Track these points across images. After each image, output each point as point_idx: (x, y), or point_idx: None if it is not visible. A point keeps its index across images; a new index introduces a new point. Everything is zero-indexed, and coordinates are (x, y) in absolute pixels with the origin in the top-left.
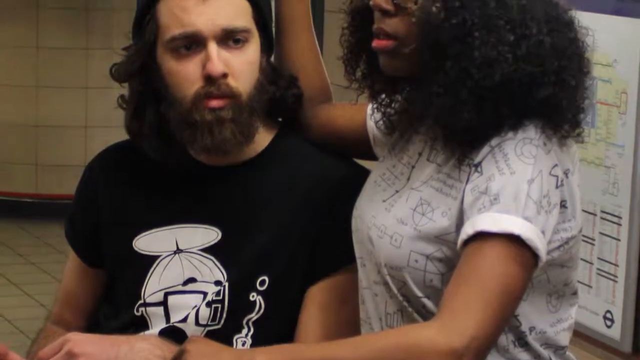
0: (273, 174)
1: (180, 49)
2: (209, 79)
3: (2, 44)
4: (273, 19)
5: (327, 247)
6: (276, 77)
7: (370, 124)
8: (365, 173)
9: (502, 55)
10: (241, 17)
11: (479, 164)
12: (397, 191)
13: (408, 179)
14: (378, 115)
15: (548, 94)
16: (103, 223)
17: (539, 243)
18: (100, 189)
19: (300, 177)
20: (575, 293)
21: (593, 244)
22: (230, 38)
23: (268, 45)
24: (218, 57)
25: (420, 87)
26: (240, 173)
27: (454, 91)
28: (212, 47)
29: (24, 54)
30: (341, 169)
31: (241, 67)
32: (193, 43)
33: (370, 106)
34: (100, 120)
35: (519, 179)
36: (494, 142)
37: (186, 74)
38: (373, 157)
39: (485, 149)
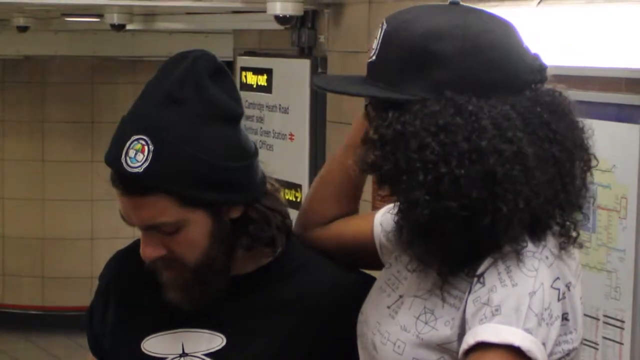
0: (279, 284)
1: None
2: None
3: (8, 157)
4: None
5: (334, 356)
6: (246, 226)
7: (377, 232)
8: (372, 281)
9: (421, 197)
10: (164, 214)
11: (482, 275)
12: (400, 296)
13: (412, 284)
14: (386, 225)
15: (487, 222)
16: (114, 320)
17: (539, 354)
18: (115, 289)
19: (307, 287)
20: None
21: (597, 349)
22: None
23: (230, 201)
24: (148, 243)
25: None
26: (246, 282)
27: (411, 228)
28: (143, 235)
29: (30, 167)
30: (348, 277)
31: (179, 248)
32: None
33: (378, 215)
34: (106, 232)
35: (520, 292)
36: (497, 254)
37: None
38: (381, 267)
39: (488, 261)
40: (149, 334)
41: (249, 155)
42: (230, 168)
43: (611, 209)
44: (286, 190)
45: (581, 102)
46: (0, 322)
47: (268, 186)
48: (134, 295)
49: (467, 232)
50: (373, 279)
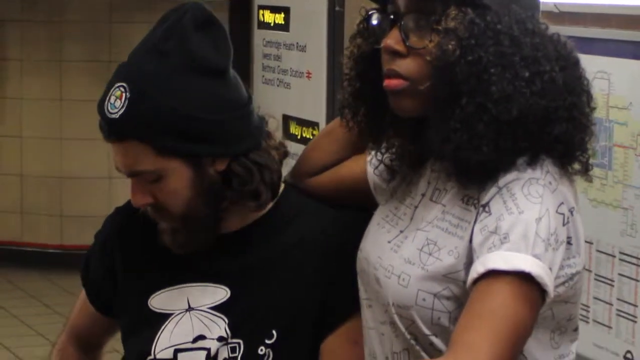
0: (277, 233)
1: None
2: None
3: (26, 96)
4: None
5: (339, 294)
6: (230, 179)
7: (370, 172)
8: (369, 216)
9: (518, 90)
10: (141, 161)
11: (487, 204)
12: (401, 231)
13: (411, 219)
14: (376, 162)
15: (562, 130)
16: (120, 277)
17: (548, 280)
18: (119, 246)
19: (305, 232)
20: (576, 329)
21: (612, 285)
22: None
23: (208, 153)
24: (136, 191)
25: (436, 124)
26: (246, 234)
27: (471, 126)
28: (132, 182)
29: (48, 106)
30: (344, 216)
31: (163, 197)
32: None
33: (368, 157)
34: None
35: (527, 218)
36: (500, 182)
37: None
38: (375, 207)
39: (493, 190)
40: (155, 291)
41: (233, 107)
42: (208, 120)
43: (627, 147)
44: (303, 128)
45: (599, 40)
46: (19, 260)
47: (269, 141)
48: (138, 254)
49: (541, 134)
50: (370, 214)
